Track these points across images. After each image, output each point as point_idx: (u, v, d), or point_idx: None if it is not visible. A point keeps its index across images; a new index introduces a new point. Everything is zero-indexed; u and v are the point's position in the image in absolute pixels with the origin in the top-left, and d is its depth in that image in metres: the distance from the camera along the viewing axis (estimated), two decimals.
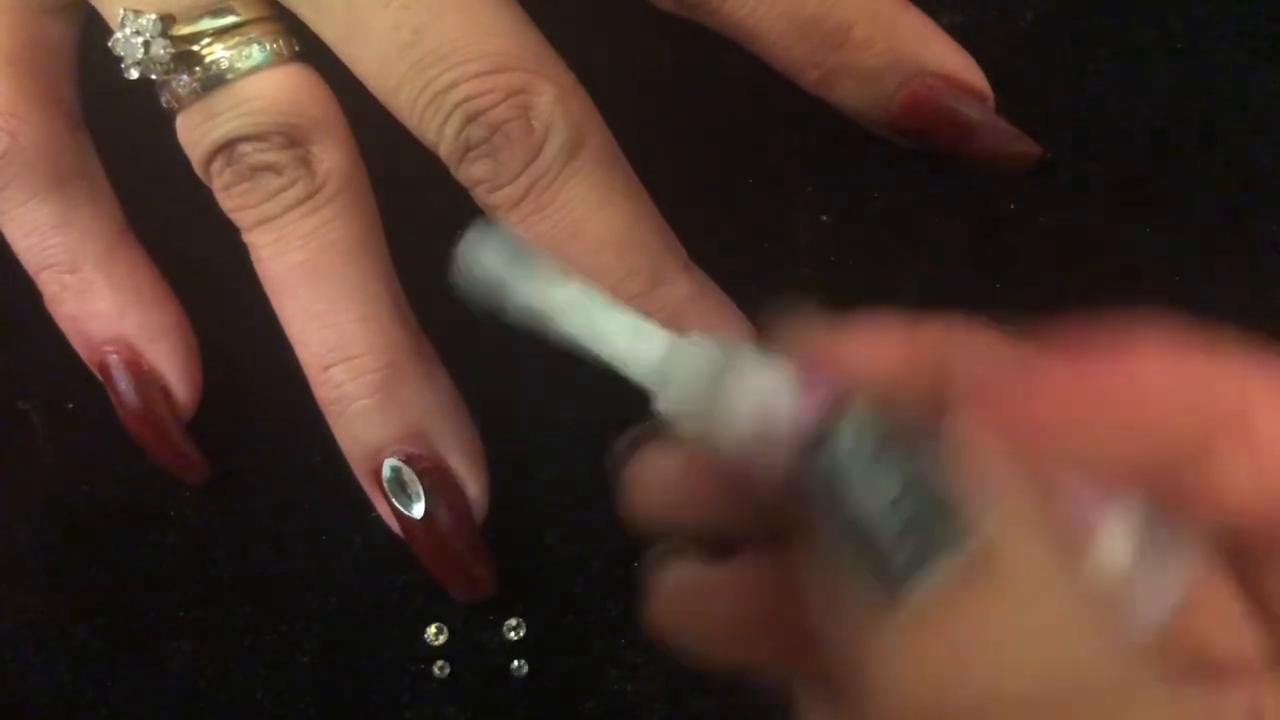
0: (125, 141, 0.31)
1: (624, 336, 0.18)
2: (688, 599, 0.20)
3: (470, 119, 0.26)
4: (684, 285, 0.27)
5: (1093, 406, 0.17)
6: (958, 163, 0.27)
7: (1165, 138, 0.29)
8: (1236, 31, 0.29)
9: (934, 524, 0.15)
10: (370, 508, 0.30)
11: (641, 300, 0.26)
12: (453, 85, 0.26)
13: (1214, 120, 0.29)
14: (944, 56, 0.27)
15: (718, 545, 0.19)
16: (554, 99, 0.26)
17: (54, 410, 0.32)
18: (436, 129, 0.26)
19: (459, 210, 0.28)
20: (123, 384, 0.30)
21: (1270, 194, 0.29)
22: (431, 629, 0.31)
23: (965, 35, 0.27)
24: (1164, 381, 0.17)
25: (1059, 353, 0.17)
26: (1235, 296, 0.29)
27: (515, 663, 0.30)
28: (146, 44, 0.27)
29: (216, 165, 0.28)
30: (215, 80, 0.27)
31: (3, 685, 0.32)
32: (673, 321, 0.26)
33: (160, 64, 0.27)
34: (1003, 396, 0.17)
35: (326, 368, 0.28)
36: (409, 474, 0.28)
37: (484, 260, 0.18)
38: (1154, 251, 0.29)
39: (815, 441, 0.16)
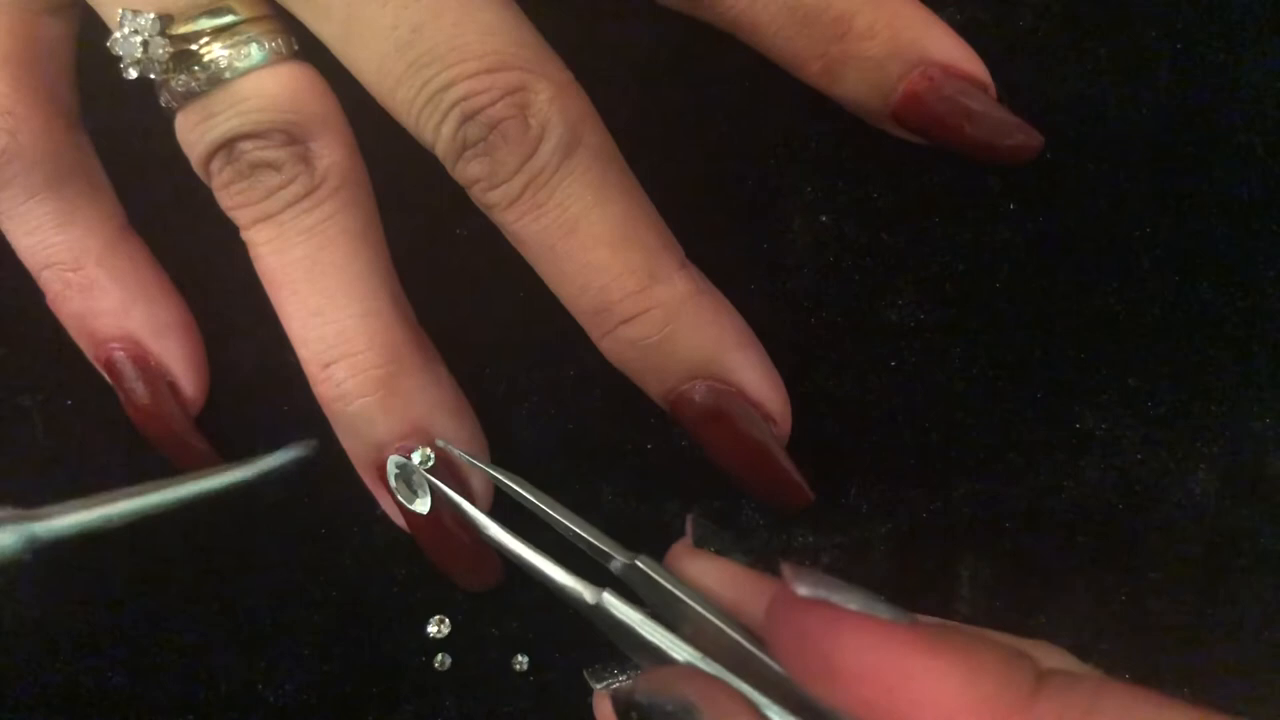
0: (124, 141, 0.31)
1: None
2: None
3: (467, 117, 0.26)
4: (680, 283, 0.27)
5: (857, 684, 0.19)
6: (959, 154, 0.27)
7: (1165, 137, 0.29)
8: (1237, 30, 0.29)
9: None
10: (371, 502, 0.30)
11: (637, 298, 0.26)
12: (450, 84, 0.26)
13: (1214, 119, 0.29)
14: (946, 46, 0.27)
15: None
16: (551, 97, 0.26)
17: (54, 407, 0.33)
18: (434, 128, 0.26)
19: (458, 208, 0.28)
20: (130, 380, 0.30)
21: (1271, 193, 0.29)
22: (433, 623, 0.31)
23: (965, 34, 0.27)
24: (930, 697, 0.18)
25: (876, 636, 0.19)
26: (1235, 296, 0.29)
27: (516, 657, 0.30)
28: (145, 43, 0.27)
29: (216, 163, 0.28)
30: (214, 79, 0.27)
31: (4, 680, 0.32)
32: (669, 321, 0.27)
33: (159, 63, 0.27)
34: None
35: (327, 365, 0.28)
36: (415, 470, 0.28)
37: None
38: (1154, 251, 0.29)
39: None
